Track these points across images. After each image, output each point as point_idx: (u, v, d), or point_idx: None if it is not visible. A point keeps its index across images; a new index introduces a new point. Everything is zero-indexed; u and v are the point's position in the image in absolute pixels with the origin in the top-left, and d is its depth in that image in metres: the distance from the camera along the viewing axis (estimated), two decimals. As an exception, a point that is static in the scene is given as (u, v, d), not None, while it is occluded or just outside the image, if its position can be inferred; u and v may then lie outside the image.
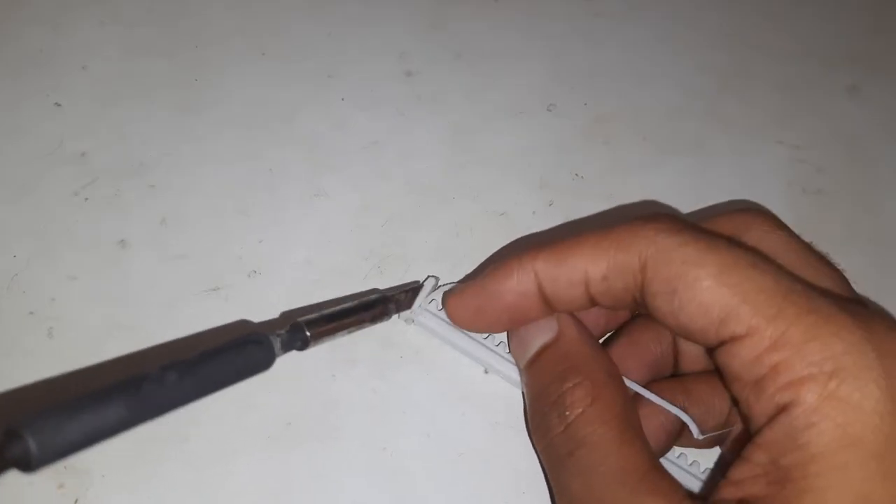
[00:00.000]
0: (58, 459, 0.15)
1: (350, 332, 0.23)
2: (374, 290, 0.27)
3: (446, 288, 0.26)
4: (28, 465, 0.15)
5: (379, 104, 0.34)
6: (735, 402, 0.21)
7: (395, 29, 0.37)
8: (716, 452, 0.26)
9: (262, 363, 0.20)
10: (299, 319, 0.21)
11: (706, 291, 0.20)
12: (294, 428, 0.25)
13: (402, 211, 0.31)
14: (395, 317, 0.27)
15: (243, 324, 0.27)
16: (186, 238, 0.29)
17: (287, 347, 0.21)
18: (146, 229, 0.29)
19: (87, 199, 0.30)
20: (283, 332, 0.21)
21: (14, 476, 0.23)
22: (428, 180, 0.32)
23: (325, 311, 0.22)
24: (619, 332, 0.26)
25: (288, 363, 0.26)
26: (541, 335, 0.24)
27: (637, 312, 0.27)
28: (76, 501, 0.23)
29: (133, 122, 0.32)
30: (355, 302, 0.24)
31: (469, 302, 0.24)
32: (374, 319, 0.24)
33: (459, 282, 0.28)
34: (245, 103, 0.33)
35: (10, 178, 0.30)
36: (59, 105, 0.32)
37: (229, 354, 0.19)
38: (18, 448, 0.15)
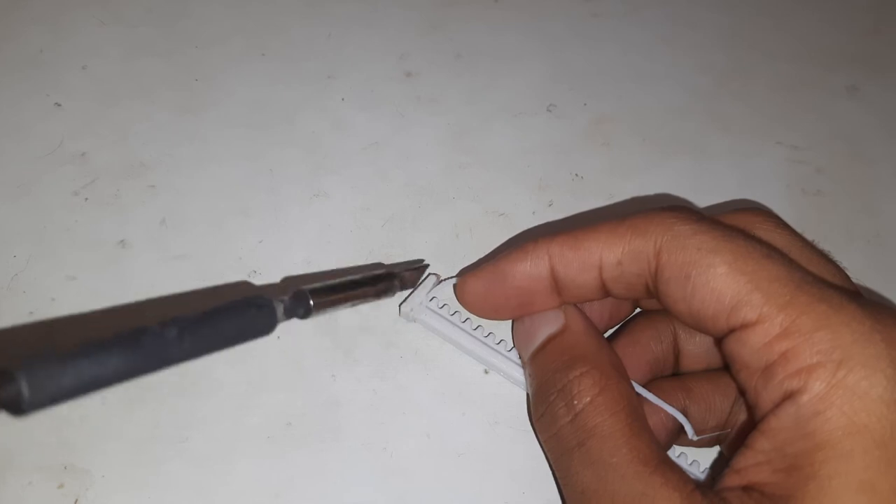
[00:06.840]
0: (50, 405, 0.15)
1: (353, 306, 0.22)
2: (380, 265, 0.27)
3: (447, 285, 0.26)
4: (18, 407, 0.14)
5: (379, 105, 0.34)
6: (742, 391, 0.21)
7: (395, 30, 0.37)
8: (716, 452, 0.26)
9: (263, 328, 0.19)
10: (304, 287, 0.20)
11: (720, 278, 0.20)
12: (294, 428, 0.25)
13: (402, 211, 0.31)
14: (396, 314, 0.27)
15: (245, 284, 0.26)
16: (186, 238, 0.29)
17: (289, 314, 0.20)
18: (146, 229, 0.29)
19: (87, 199, 0.30)
20: (286, 298, 0.20)
21: (15, 475, 0.23)
22: (428, 181, 0.32)
23: (331, 282, 0.21)
24: (619, 330, 0.26)
25: (288, 362, 0.26)
26: (547, 326, 0.24)
27: (640, 308, 0.27)
28: (76, 501, 0.23)
29: (133, 122, 0.32)
30: (361, 275, 0.23)
31: (480, 282, 0.24)
32: (379, 295, 0.23)
33: (463, 269, 0.28)
34: (245, 103, 0.33)
35: (10, 178, 0.30)
36: (59, 105, 0.32)
37: (231, 315, 0.18)
38: (11, 390, 0.14)
